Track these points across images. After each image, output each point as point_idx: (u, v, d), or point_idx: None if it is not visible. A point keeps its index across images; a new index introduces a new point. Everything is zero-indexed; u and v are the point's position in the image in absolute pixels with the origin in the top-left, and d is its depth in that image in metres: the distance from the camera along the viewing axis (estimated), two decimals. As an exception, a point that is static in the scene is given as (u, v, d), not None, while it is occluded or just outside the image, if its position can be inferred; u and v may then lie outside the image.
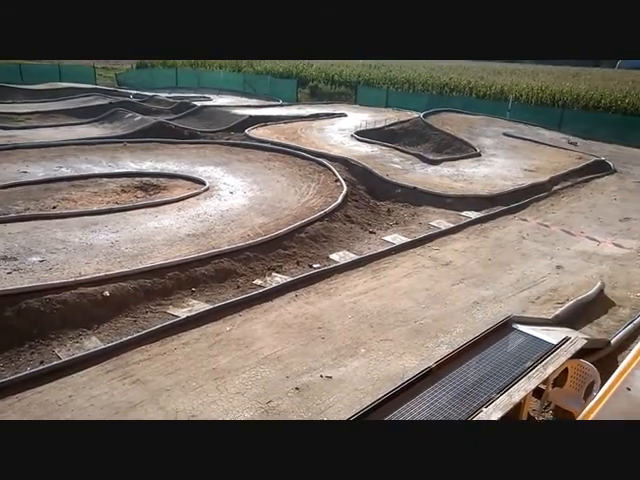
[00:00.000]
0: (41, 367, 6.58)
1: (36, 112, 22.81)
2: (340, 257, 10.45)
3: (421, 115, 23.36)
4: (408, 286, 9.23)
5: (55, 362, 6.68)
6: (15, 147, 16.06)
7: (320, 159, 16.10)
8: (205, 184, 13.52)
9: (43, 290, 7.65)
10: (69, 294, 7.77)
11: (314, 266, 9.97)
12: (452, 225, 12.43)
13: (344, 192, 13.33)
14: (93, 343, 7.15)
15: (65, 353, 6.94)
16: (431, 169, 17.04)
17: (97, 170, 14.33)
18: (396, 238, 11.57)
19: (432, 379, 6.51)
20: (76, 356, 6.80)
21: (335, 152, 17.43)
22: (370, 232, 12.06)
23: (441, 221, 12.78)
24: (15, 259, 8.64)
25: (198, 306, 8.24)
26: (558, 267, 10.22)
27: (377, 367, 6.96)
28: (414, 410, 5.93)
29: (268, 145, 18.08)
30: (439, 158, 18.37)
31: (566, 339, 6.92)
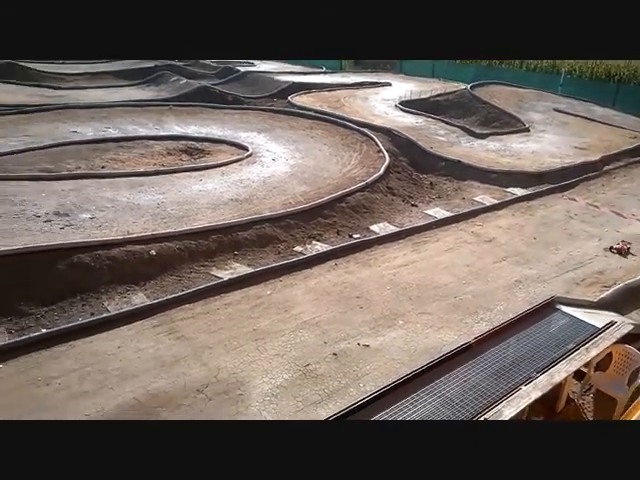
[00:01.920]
0: (92, 318, 6.90)
1: (85, 73, 23.24)
2: (380, 228, 10.41)
3: (468, 87, 22.64)
4: (449, 261, 9.14)
5: (105, 314, 6.98)
6: (66, 107, 16.47)
7: (363, 129, 15.91)
8: (248, 150, 13.59)
9: (94, 246, 7.94)
10: (118, 251, 8.05)
11: (354, 236, 9.98)
12: (497, 201, 12.16)
13: (386, 163, 13.18)
14: (140, 299, 7.43)
15: (114, 307, 7.24)
16: (477, 143, 16.61)
17: (144, 132, 14.58)
18: (438, 212, 11.42)
19: (470, 355, 6.51)
20: (124, 310, 7.08)
21: (378, 122, 17.17)
22: (412, 205, 11.94)
23: (485, 197, 12.51)
24: (67, 215, 8.97)
25: (240, 269, 8.41)
26: (606, 249, 9.91)
27: (415, 339, 6.99)
28: (450, 384, 5.96)
29: (311, 113, 17.95)
30: (486, 132, 17.87)
31: (611, 323, 6.77)
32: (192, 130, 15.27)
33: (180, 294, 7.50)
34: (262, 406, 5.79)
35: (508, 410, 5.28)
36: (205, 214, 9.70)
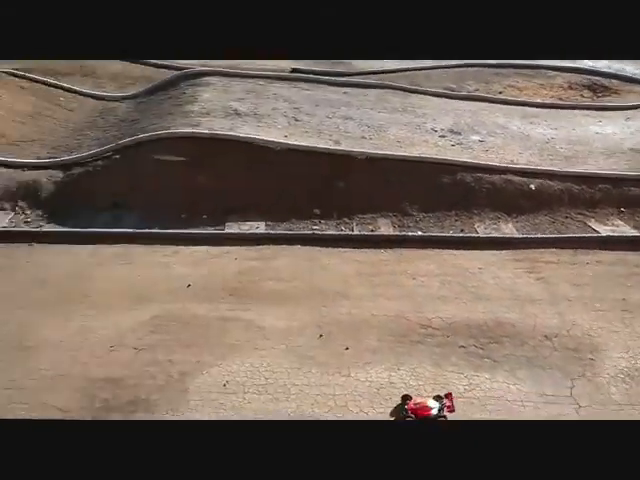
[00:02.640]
0: (462, 235, 7.39)
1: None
2: None
3: None
4: None
5: (474, 234, 7.38)
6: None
7: None
8: (669, 94, 11.38)
9: (478, 168, 8.26)
10: (498, 178, 8.18)
11: None
12: None
13: None
14: (509, 229, 7.51)
15: (483, 230, 7.54)
16: None
17: (547, 62, 13.76)
18: None
19: None
20: (492, 236, 7.32)
21: None
22: None
23: None
24: (459, 134, 9.48)
25: (623, 229, 7.51)
26: None
27: None
28: None
29: None
30: None
31: None
32: (602, 64, 13.55)
33: (551, 236, 7.27)
34: (613, 381, 5.28)
35: None
36: (597, 159, 8.82)
